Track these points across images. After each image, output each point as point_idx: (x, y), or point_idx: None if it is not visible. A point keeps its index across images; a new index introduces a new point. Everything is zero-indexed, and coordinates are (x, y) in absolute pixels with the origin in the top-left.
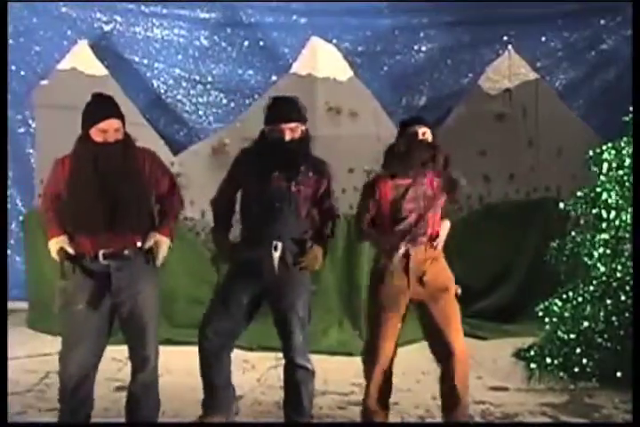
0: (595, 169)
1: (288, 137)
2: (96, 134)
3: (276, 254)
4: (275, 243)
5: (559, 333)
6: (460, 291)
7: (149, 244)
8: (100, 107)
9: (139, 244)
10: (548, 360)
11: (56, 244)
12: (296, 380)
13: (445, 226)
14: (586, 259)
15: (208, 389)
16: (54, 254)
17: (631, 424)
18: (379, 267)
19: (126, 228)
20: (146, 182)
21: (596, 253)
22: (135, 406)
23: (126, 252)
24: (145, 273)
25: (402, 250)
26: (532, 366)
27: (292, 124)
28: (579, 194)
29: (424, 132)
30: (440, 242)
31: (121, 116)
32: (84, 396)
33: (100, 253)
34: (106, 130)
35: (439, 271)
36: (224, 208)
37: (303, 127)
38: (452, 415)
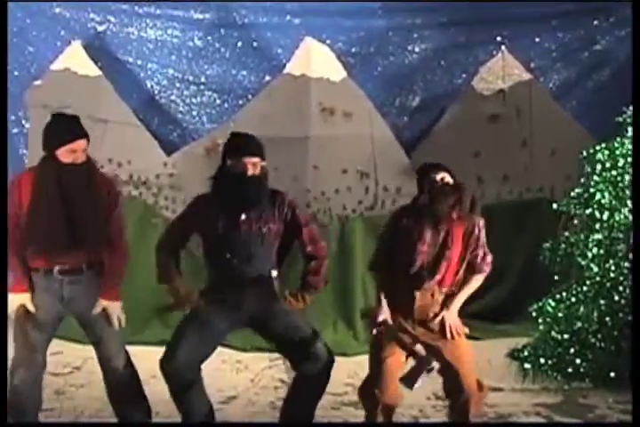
0: (588, 169)
1: (250, 172)
2: (64, 155)
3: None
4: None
5: (553, 333)
6: (467, 331)
7: (97, 311)
8: (70, 127)
9: (92, 260)
10: (542, 360)
11: (19, 300)
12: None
13: (474, 281)
14: (579, 259)
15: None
16: (11, 310)
17: (631, 424)
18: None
19: (84, 247)
20: (103, 207)
21: (589, 254)
22: (121, 415)
23: (79, 267)
24: (96, 284)
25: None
26: (527, 366)
27: (255, 159)
28: (572, 194)
29: (442, 178)
30: (459, 299)
31: (87, 137)
32: (32, 405)
33: (56, 268)
34: (75, 150)
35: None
36: (174, 254)
37: (263, 163)
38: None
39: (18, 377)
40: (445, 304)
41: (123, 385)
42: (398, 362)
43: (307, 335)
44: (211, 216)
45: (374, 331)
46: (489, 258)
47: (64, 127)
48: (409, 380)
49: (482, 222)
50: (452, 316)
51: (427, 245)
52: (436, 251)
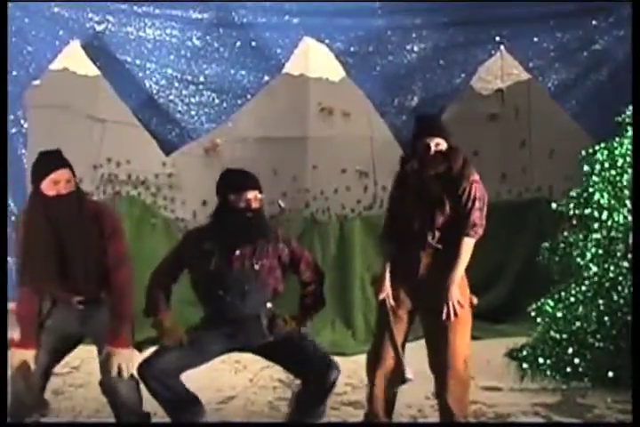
0: (587, 169)
1: (254, 205)
2: (48, 187)
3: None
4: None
5: (552, 333)
6: (475, 301)
7: (103, 357)
8: (49, 159)
9: (102, 295)
10: (541, 360)
11: (21, 355)
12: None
13: (464, 245)
14: (578, 259)
15: (169, 406)
16: (14, 365)
17: (631, 424)
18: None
19: (82, 278)
20: (97, 237)
21: (588, 254)
22: (120, 417)
23: (96, 296)
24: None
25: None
26: (525, 366)
27: (256, 192)
28: (571, 194)
29: (437, 144)
30: (457, 271)
31: (71, 168)
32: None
33: (75, 300)
34: (58, 181)
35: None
36: (164, 287)
37: (261, 196)
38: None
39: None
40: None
41: (121, 394)
42: (400, 329)
43: (315, 348)
44: (204, 252)
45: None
46: (480, 227)
47: (44, 161)
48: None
49: (479, 188)
50: (453, 293)
51: (417, 207)
52: (429, 210)
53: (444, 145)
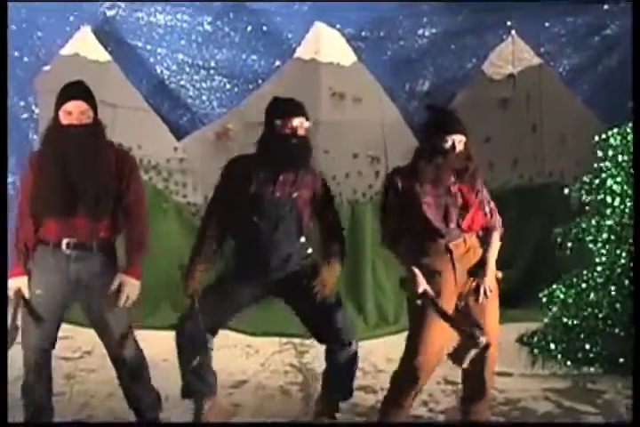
0: (600, 154)
1: (301, 131)
2: (63, 117)
3: None
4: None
5: (563, 318)
6: (500, 275)
7: (115, 285)
8: (68, 89)
9: (102, 235)
10: (552, 346)
11: (14, 283)
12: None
13: (494, 239)
14: (590, 245)
15: (195, 372)
16: (10, 294)
17: (631, 424)
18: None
19: (87, 214)
20: (110, 175)
21: (600, 240)
22: (132, 401)
23: (88, 244)
24: (105, 266)
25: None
26: (536, 351)
27: (302, 119)
28: (584, 179)
29: (460, 141)
30: (490, 264)
31: (89, 100)
32: (37, 381)
33: (64, 241)
34: (71, 111)
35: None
36: (214, 236)
37: (308, 124)
38: (471, 411)
39: (28, 361)
40: (484, 241)
41: (131, 372)
42: (442, 336)
43: (333, 310)
44: (245, 177)
45: (418, 302)
46: (496, 214)
47: (62, 92)
48: (458, 356)
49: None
50: (489, 281)
51: (433, 197)
52: (446, 201)
53: (463, 142)
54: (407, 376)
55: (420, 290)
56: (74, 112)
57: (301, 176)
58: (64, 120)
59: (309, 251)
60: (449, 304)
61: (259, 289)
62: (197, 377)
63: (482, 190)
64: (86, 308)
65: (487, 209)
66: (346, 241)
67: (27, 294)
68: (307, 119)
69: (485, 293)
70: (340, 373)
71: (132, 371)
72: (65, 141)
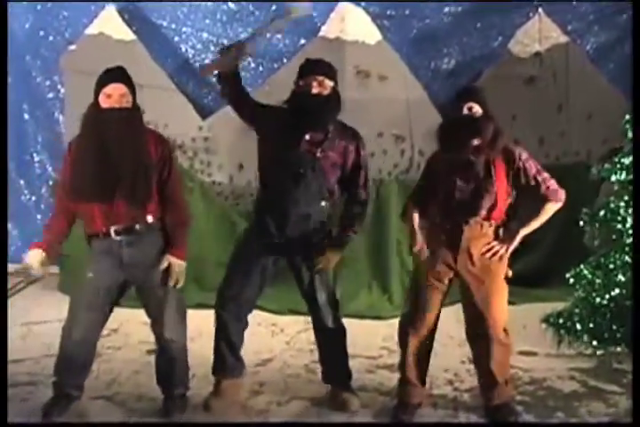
0: (629, 134)
1: (315, 90)
2: (103, 100)
3: None
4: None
5: (589, 299)
6: (510, 273)
7: (164, 266)
8: (109, 73)
9: (149, 219)
10: (578, 326)
11: (34, 256)
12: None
13: (545, 210)
14: (619, 226)
15: (225, 351)
16: (34, 262)
17: (631, 424)
18: (429, 239)
19: (127, 196)
20: (149, 159)
21: (629, 220)
22: (163, 377)
23: (137, 227)
24: (157, 247)
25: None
26: (562, 331)
27: (320, 77)
28: (613, 159)
29: (470, 107)
30: (536, 223)
31: (129, 84)
32: (81, 365)
33: (112, 229)
34: (110, 94)
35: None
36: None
37: (332, 83)
38: (491, 395)
39: (72, 339)
40: (500, 235)
41: (173, 361)
42: (436, 297)
43: (321, 286)
44: (276, 133)
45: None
46: (553, 185)
47: (103, 76)
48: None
49: (524, 154)
50: (507, 248)
51: (463, 180)
52: (475, 184)
53: (478, 110)
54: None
55: (416, 249)
56: (113, 95)
57: (332, 138)
58: (104, 104)
59: (325, 218)
60: (440, 280)
61: (276, 251)
62: (231, 356)
63: (520, 159)
64: (139, 290)
65: (539, 180)
66: (370, 220)
67: (37, 270)
68: (330, 78)
69: (495, 253)
70: (330, 355)
71: (172, 353)
72: (105, 125)
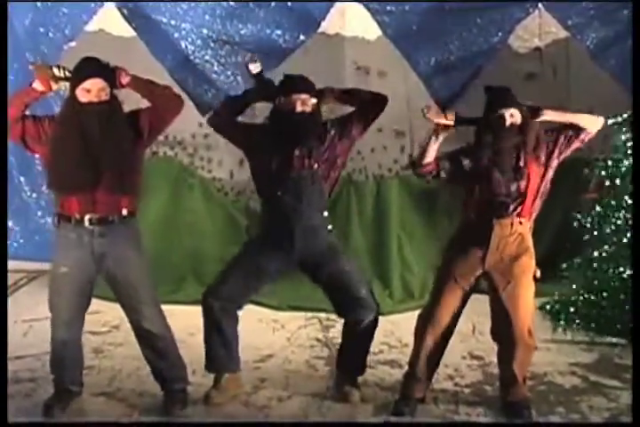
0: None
1: (299, 108)
2: (81, 94)
3: None
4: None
5: (586, 292)
6: (539, 274)
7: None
8: (86, 67)
9: (124, 212)
10: (577, 320)
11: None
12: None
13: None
14: (613, 219)
15: (218, 346)
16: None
17: (631, 424)
18: (459, 236)
19: (109, 189)
20: (129, 146)
21: (623, 213)
22: (158, 373)
23: (111, 218)
24: (128, 239)
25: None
26: (562, 324)
27: (304, 96)
28: (611, 156)
29: (512, 115)
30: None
31: (106, 76)
32: (72, 360)
33: (86, 217)
34: (89, 89)
35: (522, 251)
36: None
37: (314, 101)
38: (508, 393)
39: (58, 337)
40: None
41: (156, 346)
42: (457, 296)
43: (355, 281)
44: (266, 151)
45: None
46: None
47: (80, 68)
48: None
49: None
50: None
51: (499, 179)
52: (511, 182)
53: (518, 117)
54: (422, 354)
55: (436, 120)
56: (93, 90)
57: (320, 151)
58: (82, 98)
59: (330, 227)
60: (466, 278)
61: (284, 264)
62: (222, 351)
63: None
64: (111, 281)
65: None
66: (370, 216)
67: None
68: (313, 96)
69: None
70: (355, 348)
71: (157, 345)
72: (85, 119)
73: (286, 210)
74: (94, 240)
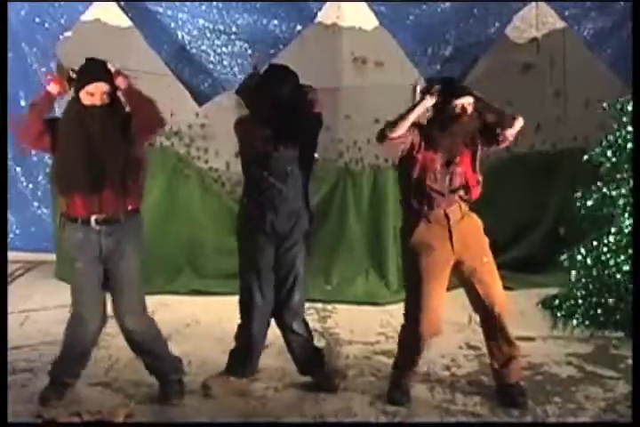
0: (623, 119)
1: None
2: (84, 97)
3: None
4: None
5: (585, 283)
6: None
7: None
8: (90, 70)
9: (129, 209)
10: (574, 311)
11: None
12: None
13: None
14: (611, 209)
15: (244, 350)
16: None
17: (631, 424)
18: (417, 237)
19: (114, 190)
20: (134, 144)
21: (620, 204)
22: (151, 369)
23: (117, 217)
24: (131, 237)
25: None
26: (559, 315)
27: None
28: (604, 144)
29: (463, 105)
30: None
31: (109, 80)
32: (83, 354)
33: (93, 218)
34: (93, 93)
35: (473, 226)
36: None
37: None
38: (503, 373)
39: (78, 332)
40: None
41: (140, 343)
42: (441, 294)
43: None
44: (252, 134)
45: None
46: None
47: (85, 71)
48: None
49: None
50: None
51: (441, 165)
52: (449, 169)
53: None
54: (411, 344)
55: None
56: (96, 93)
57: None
58: (86, 100)
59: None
60: (442, 270)
61: (270, 241)
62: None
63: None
64: (111, 275)
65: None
66: (367, 206)
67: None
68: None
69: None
70: (299, 349)
71: (143, 343)
72: (88, 121)
73: (271, 191)
74: (102, 240)
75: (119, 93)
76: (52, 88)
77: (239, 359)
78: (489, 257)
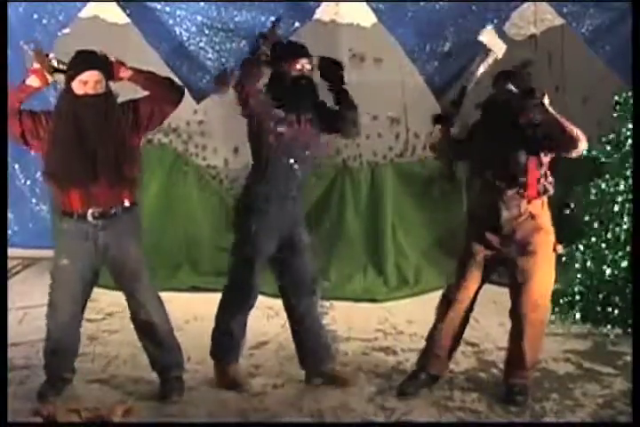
0: (622, 115)
1: (307, 72)
2: (77, 87)
3: None
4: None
5: (583, 279)
6: (560, 249)
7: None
8: (83, 59)
9: (126, 202)
10: (572, 307)
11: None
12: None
13: None
14: (609, 205)
15: (227, 337)
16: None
17: (631, 424)
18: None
19: (109, 182)
20: (129, 137)
21: (619, 199)
22: (155, 361)
23: (114, 211)
24: (130, 229)
25: None
26: (556, 311)
27: (306, 60)
28: (603, 140)
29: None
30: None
31: (103, 69)
32: (68, 349)
33: (89, 212)
34: (86, 81)
35: (532, 231)
36: None
37: (308, 67)
38: (510, 374)
39: (56, 326)
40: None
41: (156, 335)
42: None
43: (312, 276)
44: (273, 118)
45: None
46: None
47: (77, 60)
48: None
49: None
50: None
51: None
52: (513, 160)
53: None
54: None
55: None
56: (89, 82)
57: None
58: (78, 90)
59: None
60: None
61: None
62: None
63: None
64: (114, 270)
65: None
66: (365, 203)
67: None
68: (310, 61)
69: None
70: (308, 336)
71: (155, 334)
72: (81, 111)
73: (282, 171)
74: (98, 233)
75: (119, 82)
76: (33, 81)
77: (220, 344)
78: (536, 259)
